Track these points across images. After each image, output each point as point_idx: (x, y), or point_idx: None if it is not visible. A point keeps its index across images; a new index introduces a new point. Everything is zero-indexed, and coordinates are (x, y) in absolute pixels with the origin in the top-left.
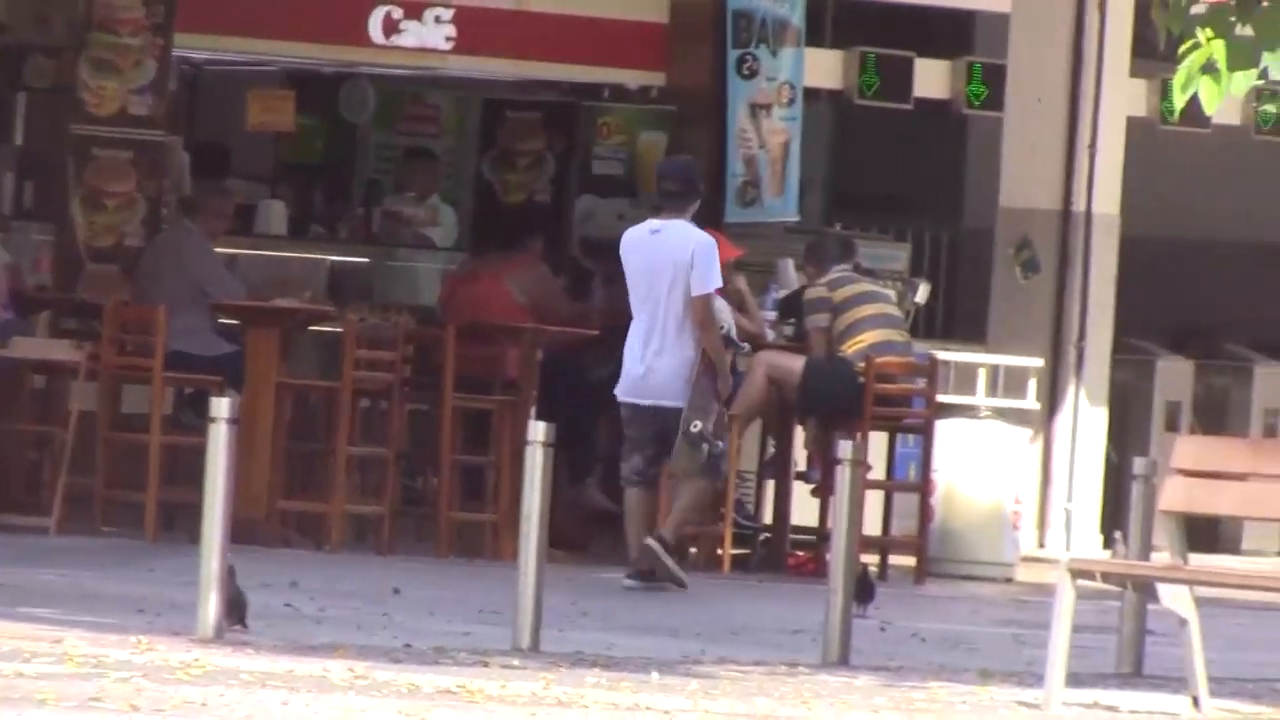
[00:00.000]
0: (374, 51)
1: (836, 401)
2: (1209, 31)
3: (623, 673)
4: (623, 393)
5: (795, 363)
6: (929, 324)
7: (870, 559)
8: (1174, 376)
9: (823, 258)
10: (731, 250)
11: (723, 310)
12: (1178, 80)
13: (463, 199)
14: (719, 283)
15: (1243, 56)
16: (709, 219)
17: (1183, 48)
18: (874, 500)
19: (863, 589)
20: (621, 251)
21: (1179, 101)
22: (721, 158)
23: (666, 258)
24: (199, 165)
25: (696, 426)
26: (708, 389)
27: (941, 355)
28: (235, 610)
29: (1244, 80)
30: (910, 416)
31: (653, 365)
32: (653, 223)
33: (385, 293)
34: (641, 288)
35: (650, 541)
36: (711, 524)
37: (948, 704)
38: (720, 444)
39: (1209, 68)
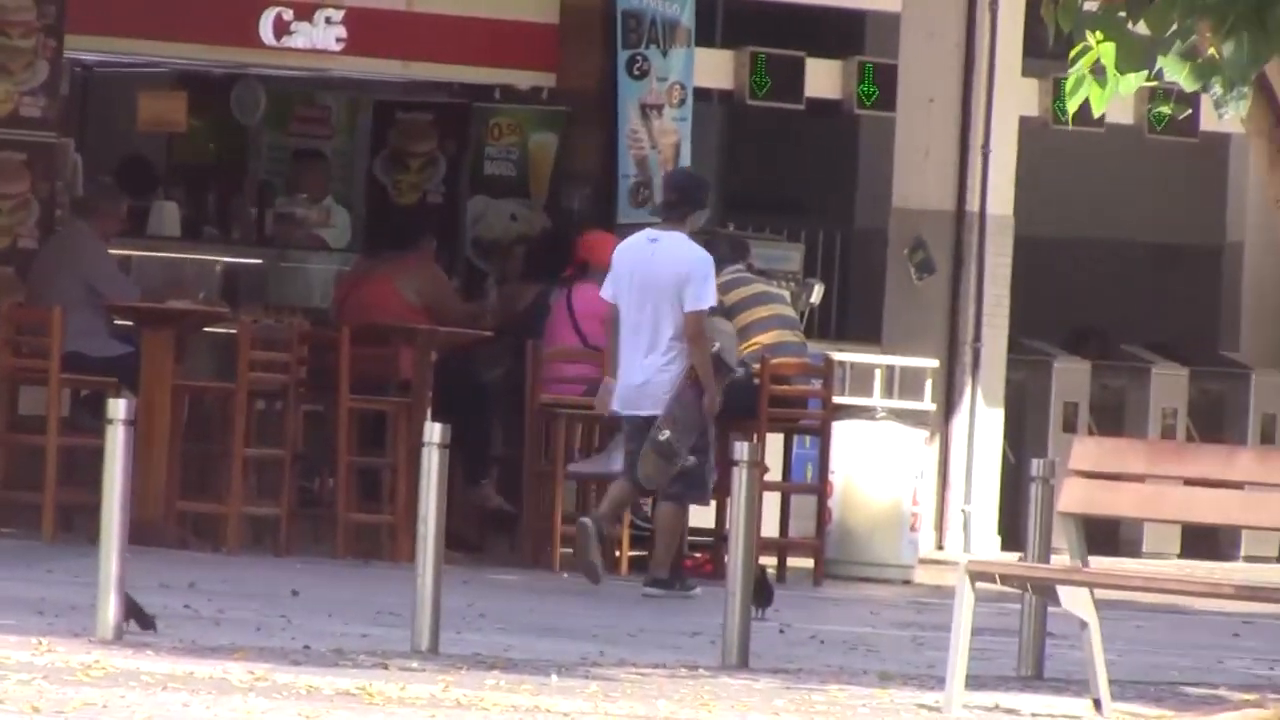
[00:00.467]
0: (265, 53)
1: (732, 403)
2: (1099, 34)
3: (522, 675)
4: (621, 406)
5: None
6: (824, 325)
7: (768, 561)
8: (1071, 377)
9: (716, 258)
10: None
11: (718, 329)
12: (1069, 84)
13: (355, 200)
14: (713, 300)
15: (1135, 57)
16: (600, 219)
17: (1073, 51)
18: (771, 502)
19: (761, 592)
20: (616, 256)
21: (1071, 105)
22: (613, 158)
23: (664, 270)
24: (128, 182)
25: (664, 436)
26: (691, 404)
27: (837, 356)
28: (140, 615)
29: (1133, 81)
30: (806, 418)
31: (651, 377)
32: (651, 231)
33: (279, 294)
34: (636, 296)
35: (586, 520)
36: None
37: (848, 707)
38: (693, 459)
39: (1098, 70)
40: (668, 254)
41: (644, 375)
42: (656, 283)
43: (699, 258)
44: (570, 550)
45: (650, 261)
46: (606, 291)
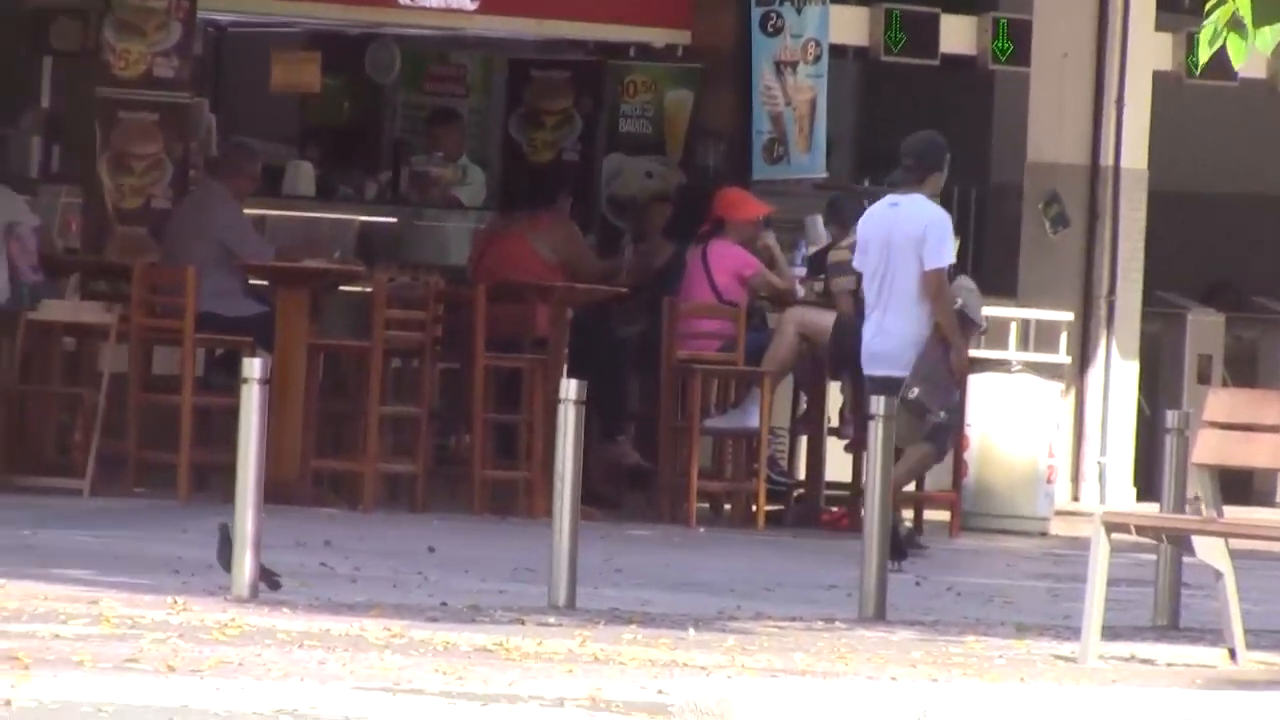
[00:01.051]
0: (399, 12)
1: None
2: None
3: (659, 629)
4: (864, 365)
5: (826, 319)
6: None
7: (906, 514)
8: (1204, 329)
9: (846, 216)
10: (759, 207)
11: (960, 286)
12: (1204, 35)
13: (490, 159)
14: (952, 258)
15: (1272, 9)
16: (735, 176)
17: (1209, 3)
18: None
19: (900, 545)
20: (860, 225)
21: (1204, 56)
22: (747, 115)
23: (901, 231)
24: None
25: (914, 394)
26: (938, 361)
27: None
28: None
29: (1271, 35)
30: None
31: (886, 338)
32: (892, 197)
33: (414, 253)
34: (874, 260)
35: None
36: (747, 479)
37: (984, 658)
38: (944, 415)
39: (1235, 23)
40: (906, 216)
41: (883, 335)
42: (897, 244)
43: (936, 217)
44: (708, 505)
45: (890, 226)
46: (856, 262)
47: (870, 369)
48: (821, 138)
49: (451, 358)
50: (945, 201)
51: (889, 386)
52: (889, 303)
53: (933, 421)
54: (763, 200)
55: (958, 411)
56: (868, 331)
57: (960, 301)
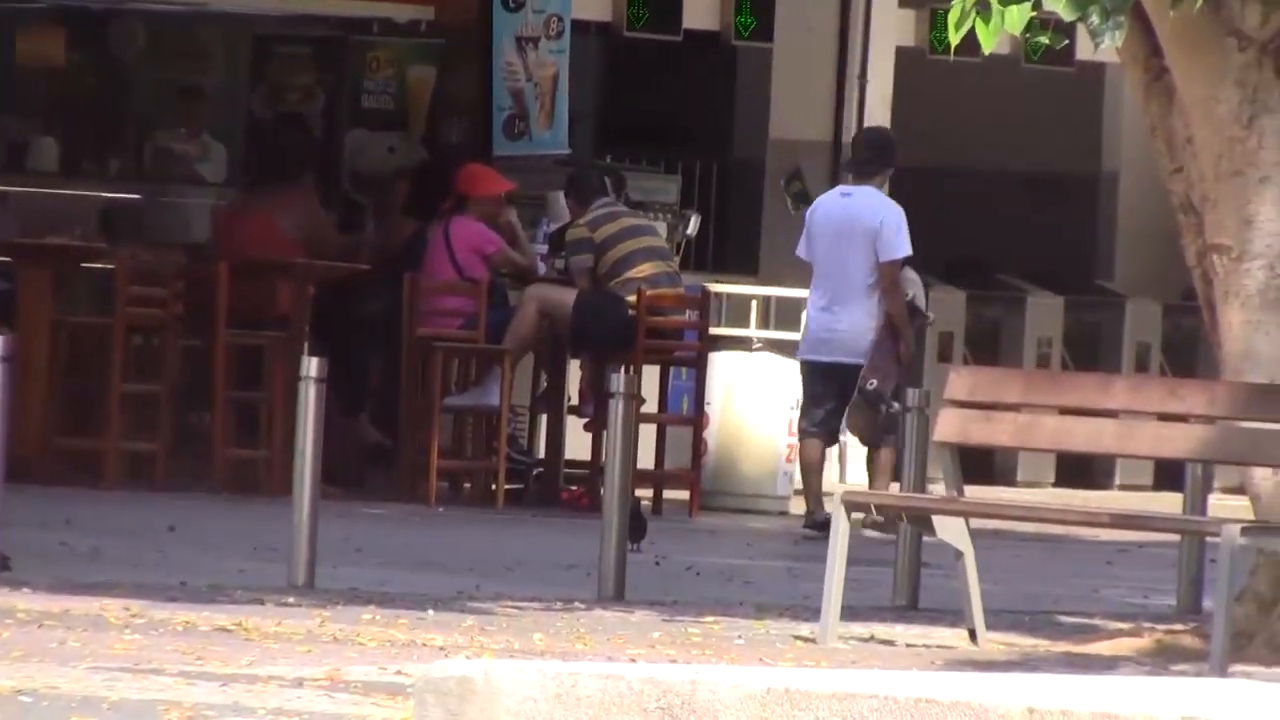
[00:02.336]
0: None
1: (608, 336)
2: None
3: (398, 609)
4: (805, 352)
5: (567, 296)
6: (700, 256)
7: (644, 494)
8: (947, 307)
9: (585, 192)
10: (501, 184)
11: (911, 280)
12: (952, 17)
13: (234, 135)
14: (907, 250)
15: None
16: (477, 152)
17: None
18: (647, 434)
19: (635, 524)
20: (810, 215)
21: (954, 38)
22: (489, 91)
23: (856, 222)
24: None
25: (872, 385)
26: (889, 351)
27: (713, 287)
28: None
29: (1020, 15)
30: (683, 349)
31: (834, 325)
32: (843, 187)
33: (157, 229)
34: (825, 248)
35: (868, 530)
36: (487, 458)
37: (724, 638)
38: (897, 405)
39: (982, 4)
40: (863, 207)
41: (834, 323)
42: (849, 235)
43: (892, 210)
44: (448, 484)
45: (843, 215)
46: (801, 250)
47: (819, 355)
48: (564, 114)
49: (193, 335)
50: (687, 178)
51: (840, 374)
52: (841, 292)
53: (885, 412)
54: (505, 177)
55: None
56: (817, 320)
57: (911, 294)
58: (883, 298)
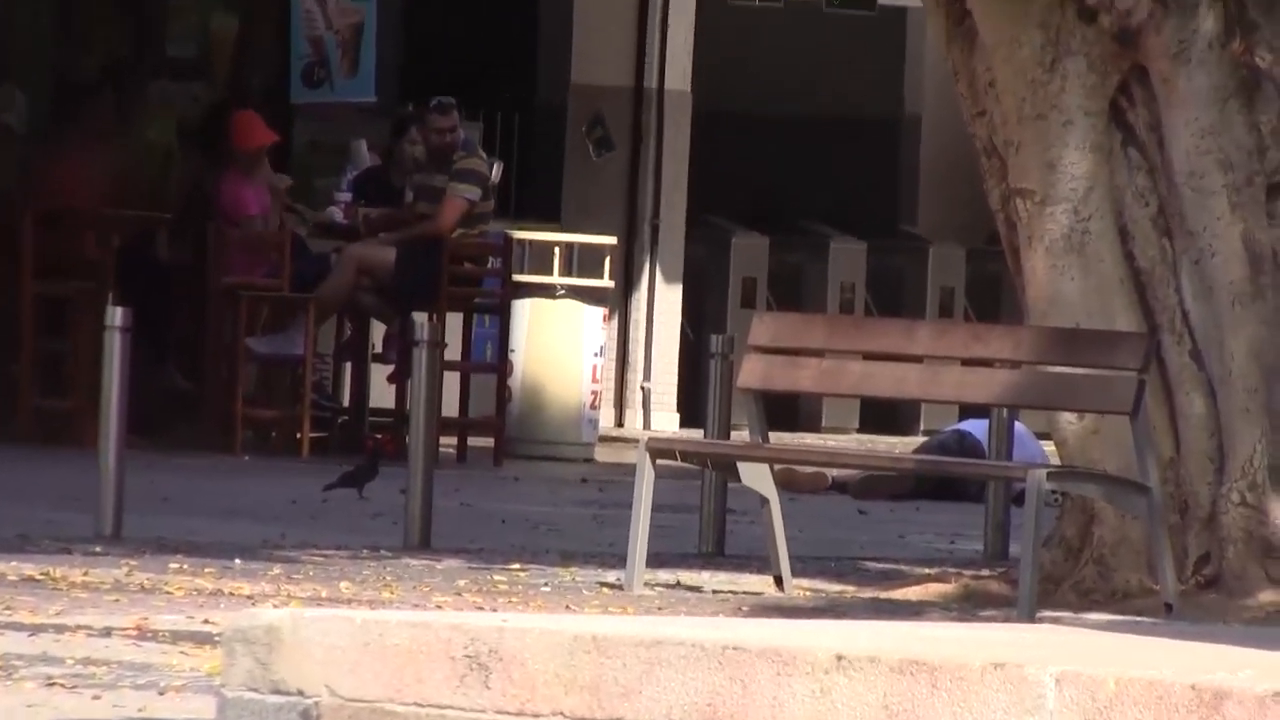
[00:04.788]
0: None
1: (429, 285)
2: None
3: (206, 558)
4: None
5: (386, 255)
6: (503, 203)
7: (449, 440)
8: (749, 253)
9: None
10: (265, 136)
11: None
12: None
13: (38, 84)
14: None
15: None
16: (277, 100)
17: None
18: (451, 381)
19: (366, 470)
20: None
21: None
22: (287, 40)
23: None
24: None
25: None
26: None
27: (516, 235)
28: None
29: None
30: (486, 296)
31: None
32: None
33: None
34: None
35: None
36: (289, 407)
37: (530, 585)
38: None
39: None
40: None
41: None
42: None
43: None
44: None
45: None
46: None
47: None
48: (369, 62)
49: None
50: (489, 124)
51: None
52: None
53: None
54: (302, 124)
55: None
56: None
57: None
58: None
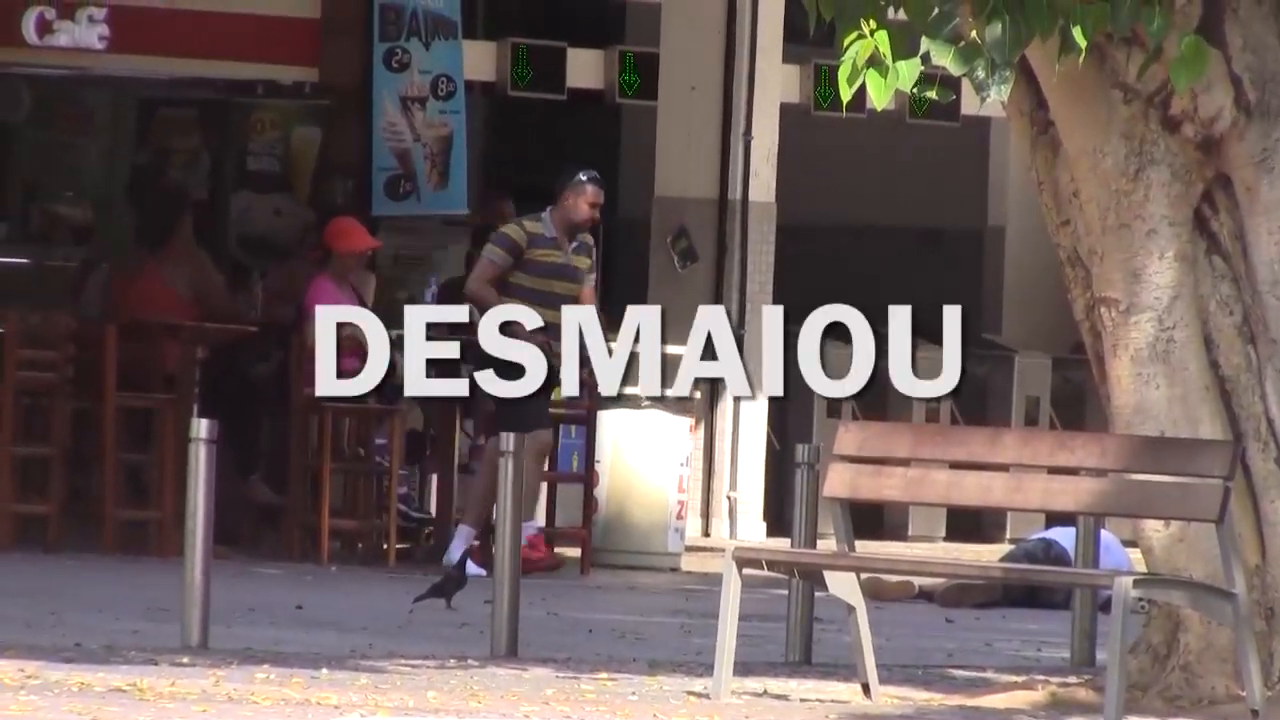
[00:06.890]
0: (28, 52)
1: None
2: (872, 22)
3: (292, 668)
4: None
5: None
6: None
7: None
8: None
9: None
10: (365, 241)
11: None
12: (843, 73)
13: (119, 198)
14: None
15: (903, 43)
16: (343, 210)
17: (847, 39)
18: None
19: (454, 580)
20: None
21: (846, 94)
22: (369, 152)
23: None
24: None
25: None
26: None
27: None
28: None
29: (909, 70)
30: (573, 408)
31: None
32: None
33: (45, 293)
34: None
35: None
36: (378, 517)
37: (617, 694)
38: None
39: (874, 60)
40: None
41: None
42: None
43: None
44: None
45: None
46: None
47: None
48: (460, 173)
49: (83, 397)
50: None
51: None
52: None
53: None
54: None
55: None
56: None
57: None
58: None
